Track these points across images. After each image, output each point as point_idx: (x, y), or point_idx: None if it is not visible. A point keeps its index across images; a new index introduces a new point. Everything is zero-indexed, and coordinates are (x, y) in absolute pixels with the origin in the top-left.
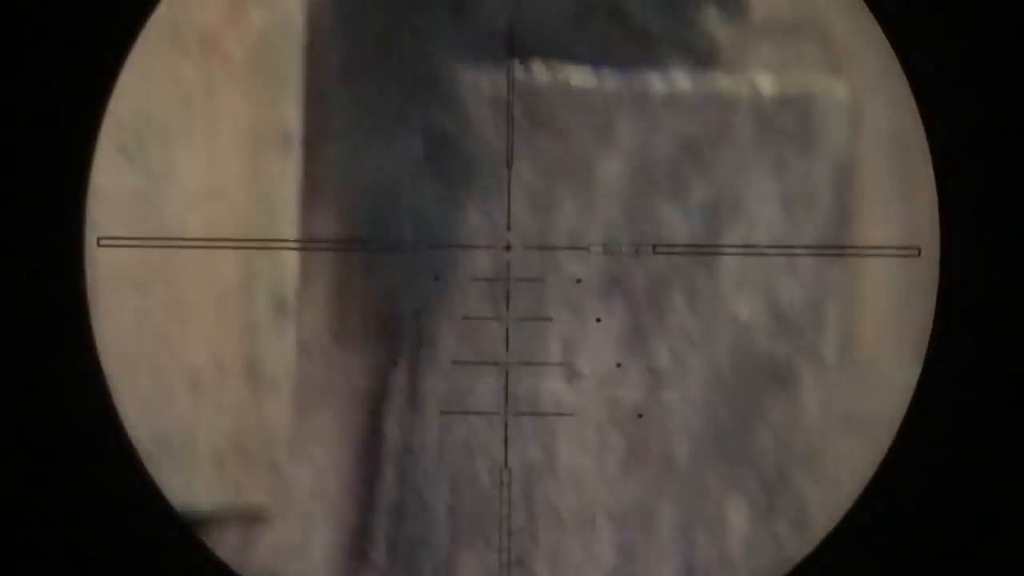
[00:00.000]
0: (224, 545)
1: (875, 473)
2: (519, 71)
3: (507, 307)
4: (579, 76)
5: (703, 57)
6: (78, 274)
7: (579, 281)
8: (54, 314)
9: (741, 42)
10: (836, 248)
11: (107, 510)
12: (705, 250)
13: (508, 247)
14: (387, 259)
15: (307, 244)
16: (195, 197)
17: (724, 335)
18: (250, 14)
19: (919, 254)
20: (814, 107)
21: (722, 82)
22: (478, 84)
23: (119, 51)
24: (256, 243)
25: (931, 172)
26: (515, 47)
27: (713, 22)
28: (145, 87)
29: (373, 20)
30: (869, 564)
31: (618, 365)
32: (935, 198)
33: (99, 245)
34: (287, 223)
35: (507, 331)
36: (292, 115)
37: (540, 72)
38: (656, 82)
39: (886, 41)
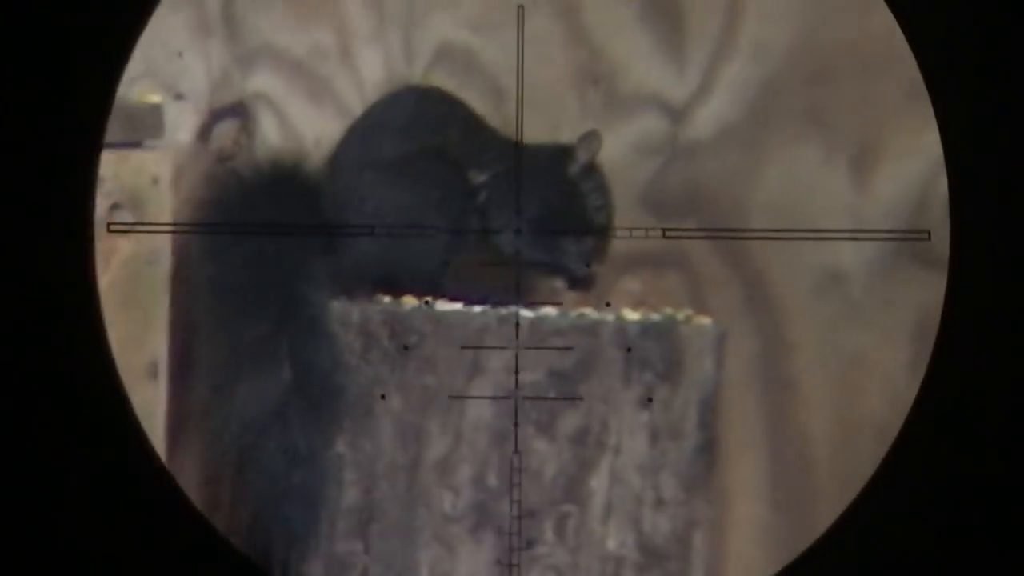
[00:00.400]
0: None
1: (883, 461)
2: (388, 301)
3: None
4: (447, 305)
5: (570, 288)
6: (87, 258)
7: (449, 519)
8: (63, 299)
9: (607, 275)
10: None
11: (114, 489)
12: (575, 479)
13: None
14: (257, 491)
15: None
16: None
17: (593, 566)
18: (117, 244)
19: (929, 237)
20: (679, 339)
21: (589, 313)
22: (347, 315)
23: (128, 35)
24: None
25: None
26: (385, 279)
27: (579, 255)
28: None
29: (241, 251)
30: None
31: None
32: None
33: (109, 231)
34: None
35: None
36: (159, 346)
37: (409, 301)
38: (523, 311)
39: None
